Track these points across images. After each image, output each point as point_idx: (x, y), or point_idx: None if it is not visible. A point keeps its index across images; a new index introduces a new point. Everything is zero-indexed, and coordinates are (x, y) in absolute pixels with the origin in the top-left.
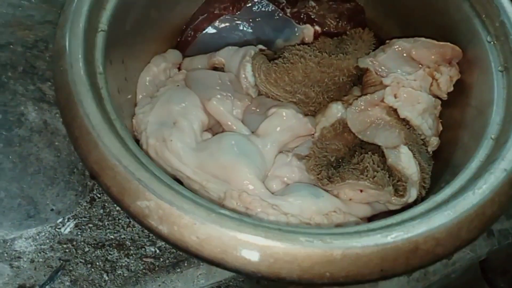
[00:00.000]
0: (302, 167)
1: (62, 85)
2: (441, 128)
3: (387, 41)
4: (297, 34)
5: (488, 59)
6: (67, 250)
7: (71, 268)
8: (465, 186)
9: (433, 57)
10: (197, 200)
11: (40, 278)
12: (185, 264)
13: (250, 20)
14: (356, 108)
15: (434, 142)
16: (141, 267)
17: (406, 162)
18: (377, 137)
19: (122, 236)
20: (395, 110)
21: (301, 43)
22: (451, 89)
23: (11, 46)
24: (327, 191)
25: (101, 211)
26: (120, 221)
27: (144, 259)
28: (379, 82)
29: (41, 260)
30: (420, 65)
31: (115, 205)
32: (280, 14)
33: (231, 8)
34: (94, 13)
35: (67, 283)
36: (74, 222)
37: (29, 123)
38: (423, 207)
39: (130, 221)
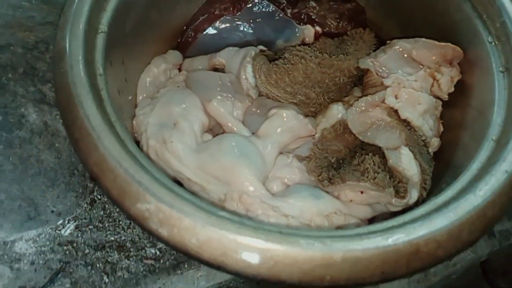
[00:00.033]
0: (303, 168)
1: (62, 86)
2: (442, 129)
3: (388, 42)
4: (297, 34)
5: (489, 60)
6: (67, 252)
7: (71, 270)
8: (466, 188)
9: (434, 57)
10: (197, 202)
11: (40, 280)
12: (186, 266)
13: (251, 20)
14: (357, 109)
15: (435, 143)
16: (142, 268)
17: (407, 163)
18: (378, 138)
19: (123, 238)
20: (396, 111)
21: (301, 44)
22: (452, 89)
23: (12, 48)
24: (327, 192)
25: (102, 212)
26: (121, 222)
27: (144, 261)
28: (380, 83)
29: (41, 262)
30: (421, 66)
31: (115, 207)
32: (281, 15)
33: (231, 9)
34: (94, 14)
35: (67, 285)
36: (75, 223)
37: (30, 125)
38: (424, 209)
39: (130, 223)
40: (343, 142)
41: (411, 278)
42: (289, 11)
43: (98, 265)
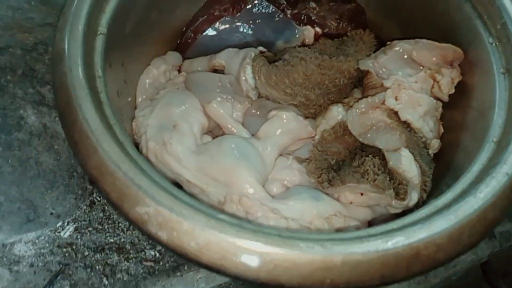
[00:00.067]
0: (303, 170)
1: (61, 89)
2: (442, 131)
3: (388, 43)
4: (297, 35)
5: (489, 61)
6: (66, 254)
7: (70, 272)
8: (466, 190)
9: (434, 58)
10: (196, 205)
11: (39, 282)
12: (185, 268)
13: (250, 21)
14: (357, 110)
15: (435, 144)
16: (141, 270)
17: (407, 165)
18: (378, 140)
19: (122, 240)
20: (396, 113)
21: (301, 45)
22: (452, 91)
23: (11, 49)
24: (327, 194)
25: (101, 214)
26: (120, 224)
27: (144, 263)
28: (380, 84)
29: (40, 264)
30: (421, 67)
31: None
32: (281, 16)
33: (231, 10)
34: (93, 16)
35: (67, 287)
36: (74, 225)
37: (29, 127)
38: (424, 212)
39: (130, 225)
40: (343, 143)
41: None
42: (289, 12)
43: (97, 267)
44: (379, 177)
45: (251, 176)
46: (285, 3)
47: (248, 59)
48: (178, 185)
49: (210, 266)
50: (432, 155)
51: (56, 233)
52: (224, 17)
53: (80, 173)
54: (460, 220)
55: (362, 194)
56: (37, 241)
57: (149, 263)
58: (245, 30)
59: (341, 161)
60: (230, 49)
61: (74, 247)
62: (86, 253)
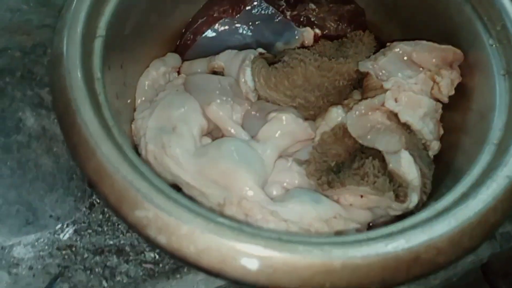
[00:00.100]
0: (302, 172)
1: (59, 92)
2: (442, 132)
3: (388, 44)
4: (297, 37)
5: (490, 63)
6: (66, 257)
7: (70, 274)
8: (467, 193)
9: (434, 60)
10: (195, 209)
11: (39, 285)
12: (185, 270)
13: (250, 23)
14: (356, 112)
15: (435, 146)
16: (141, 273)
17: (407, 167)
18: (378, 142)
19: (122, 242)
20: (395, 115)
21: (301, 46)
22: (452, 92)
23: (9, 51)
24: (327, 196)
25: (101, 216)
26: (120, 226)
27: (143, 265)
28: (380, 86)
29: (39, 266)
30: (421, 69)
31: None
32: (280, 17)
33: (230, 11)
34: (92, 18)
35: None
36: (73, 228)
37: (28, 129)
38: (424, 215)
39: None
40: (343, 145)
41: None
42: (288, 13)
43: (97, 269)
44: (379, 179)
45: (250, 178)
46: (284, 4)
47: (247, 61)
48: (178, 188)
49: (209, 270)
50: (432, 157)
51: (56, 235)
52: (223, 19)
53: (80, 175)
54: (460, 224)
55: (362, 196)
56: (36, 243)
57: (148, 265)
58: (244, 32)
59: (341, 163)
60: (230, 50)
61: (73, 249)
62: (86, 255)
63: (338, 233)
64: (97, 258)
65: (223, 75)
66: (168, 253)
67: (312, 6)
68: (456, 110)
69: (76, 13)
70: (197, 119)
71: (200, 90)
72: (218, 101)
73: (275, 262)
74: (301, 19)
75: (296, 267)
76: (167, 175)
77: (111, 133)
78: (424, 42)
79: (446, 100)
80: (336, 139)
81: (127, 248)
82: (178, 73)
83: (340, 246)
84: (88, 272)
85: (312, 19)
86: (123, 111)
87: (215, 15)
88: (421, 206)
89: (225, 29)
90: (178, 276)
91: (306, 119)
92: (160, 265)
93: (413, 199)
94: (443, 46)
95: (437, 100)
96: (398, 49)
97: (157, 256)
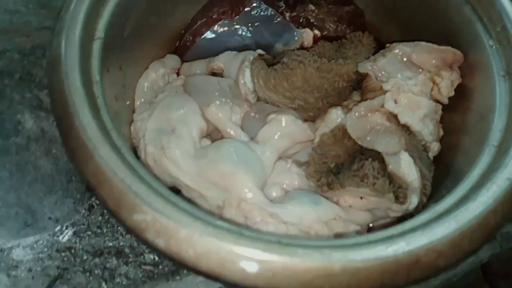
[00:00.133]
0: (302, 174)
1: (57, 95)
2: (442, 133)
3: (387, 45)
4: (296, 38)
5: (489, 64)
6: (65, 259)
7: (69, 276)
8: (467, 196)
9: (434, 61)
10: (194, 212)
11: (38, 287)
12: (185, 272)
13: (249, 24)
14: (356, 114)
15: (435, 147)
16: (140, 275)
17: (407, 168)
18: (377, 143)
19: (121, 244)
20: (395, 116)
21: (300, 48)
22: (452, 93)
23: (8, 53)
24: (327, 198)
25: (100, 218)
26: (119, 228)
27: (143, 267)
28: (379, 87)
29: (39, 269)
30: (420, 70)
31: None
32: (279, 18)
33: (229, 13)
34: (90, 20)
35: None
36: (73, 230)
37: (26, 131)
38: (424, 217)
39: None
40: (342, 147)
41: None
42: (287, 14)
43: (96, 271)
44: (379, 181)
45: (250, 180)
46: (283, 5)
47: (246, 62)
48: (177, 190)
49: (208, 273)
50: (431, 158)
51: (55, 237)
52: (222, 20)
53: (79, 177)
54: (460, 226)
55: (361, 198)
56: (35, 245)
57: (148, 267)
58: (244, 33)
59: (341, 164)
60: (229, 52)
61: (72, 251)
62: (85, 257)
63: (338, 236)
64: (97, 260)
65: (222, 76)
66: (167, 257)
67: (312, 7)
68: (456, 111)
69: (75, 15)
70: (197, 121)
71: (199, 92)
72: (218, 102)
73: (275, 266)
74: (301, 20)
75: (296, 270)
76: (166, 177)
77: (110, 136)
78: (423, 43)
79: (446, 101)
80: (335, 140)
81: (127, 250)
82: (178, 74)
83: (340, 250)
84: (88, 274)
85: (312, 20)
86: (122, 113)
87: (214, 16)
88: (421, 207)
89: (224, 31)
90: (177, 277)
91: (305, 120)
92: (160, 266)
93: (413, 201)
94: (442, 47)
95: (437, 101)
96: (397, 50)
97: (156, 258)
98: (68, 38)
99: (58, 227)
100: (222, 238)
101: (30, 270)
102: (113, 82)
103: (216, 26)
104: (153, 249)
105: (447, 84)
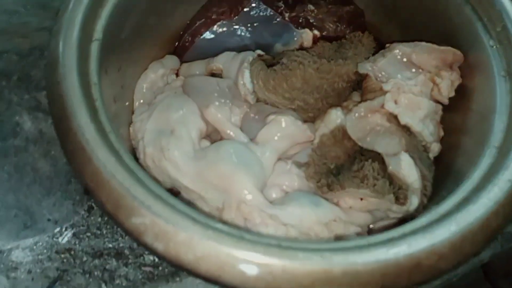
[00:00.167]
0: (302, 175)
1: (55, 97)
2: (442, 134)
3: (387, 45)
4: (295, 38)
5: (490, 64)
6: (64, 260)
7: (69, 278)
8: (468, 198)
9: (434, 61)
10: (193, 215)
11: None
12: (185, 273)
13: (248, 25)
14: (356, 114)
15: (435, 148)
16: (140, 276)
17: (407, 169)
18: (377, 144)
19: (121, 245)
20: (395, 117)
21: (300, 48)
22: (453, 94)
23: (6, 54)
24: (326, 199)
25: (99, 219)
26: (119, 229)
27: (143, 268)
28: (379, 88)
29: (38, 270)
30: (420, 70)
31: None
32: (279, 19)
33: (228, 13)
34: (88, 22)
35: None
36: (72, 231)
37: (25, 133)
38: (425, 219)
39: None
40: (342, 148)
41: None
42: (287, 15)
43: (96, 273)
44: (379, 182)
45: (249, 181)
46: (283, 6)
47: (246, 63)
48: (177, 191)
49: (208, 277)
50: (432, 159)
51: (54, 239)
52: (221, 21)
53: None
54: (462, 229)
55: (362, 199)
56: (34, 247)
57: (148, 268)
58: (243, 33)
59: (340, 165)
60: (228, 52)
61: (72, 252)
62: (85, 258)
63: (338, 238)
64: (96, 261)
65: (221, 77)
66: (166, 261)
67: (311, 7)
68: (457, 111)
69: (73, 16)
70: (196, 122)
71: (198, 92)
72: (217, 103)
73: (275, 269)
74: (300, 21)
75: (296, 274)
76: (165, 179)
77: (108, 138)
78: (423, 43)
79: (446, 101)
80: (335, 141)
81: (126, 251)
82: (177, 75)
83: (340, 253)
84: (87, 275)
85: (311, 21)
86: (121, 114)
87: (213, 17)
88: (421, 208)
89: (223, 31)
90: (177, 279)
91: (305, 121)
92: (160, 268)
93: (413, 202)
94: (442, 47)
95: (437, 102)
96: (397, 51)
97: (156, 259)
98: (65, 39)
99: (58, 229)
100: (221, 241)
101: (29, 272)
102: (111, 83)
103: (215, 26)
104: (152, 252)
105: (447, 85)
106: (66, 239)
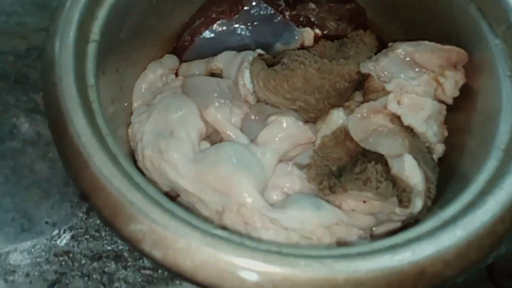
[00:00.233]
0: (303, 177)
1: (51, 100)
2: (446, 134)
3: (389, 44)
4: (296, 37)
5: (495, 64)
6: (63, 263)
7: (67, 281)
8: (474, 202)
9: (437, 61)
10: (192, 222)
11: None
12: None
13: (248, 23)
14: (358, 115)
15: (439, 149)
16: (139, 279)
17: (411, 171)
18: (380, 145)
19: (120, 247)
20: (398, 117)
21: (301, 47)
22: (457, 94)
23: (3, 55)
24: (328, 201)
25: (98, 221)
26: None
27: (142, 271)
28: (382, 88)
29: (36, 273)
30: (424, 70)
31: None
32: (279, 18)
33: (228, 12)
34: (85, 22)
35: None
36: (70, 233)
37: (22, 135)
38: (430, 225)
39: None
40: (344, 149)
41: None
42: (287, 13)
43: (94, 275)
44: (382, 184)
45: (250, 184)
46: (283, 4)
47: (246, 62)
48: (176, 194)
49: (207, 285)
50: (436, 160)
51: (52, 241)
52: (221, 19)
53: None
54: (468, 235)
55: (364, 202)
56: (33, 250)
57: (147, 271)
58: (243, 32)
59: (343, 167)
60: (228, 52)
61: (70, 255)
62: (83, 261)
63: (341, 242)
64: (95, 264)
65: (221, 77)
66: (164, 268)
67: (312, 5)
68: (461, 111)
69: (69, 17)
70: (195, 123)
71: (198, 93)
72: (217, 104)
73: (275, 277)
74: (301, 19)
75: (297, 282)
76: (164, 181)
77: (105, 142)
78: (427, 42)
79: (450, 101)
80: (337, 142)
81: (125, 254)
82: (176, 75)
83: (342, 260)
84: (86, 278)
85: (312, 19)
86: (119, 116)
87: (213, 15)
88: (425, 211)
89: (223, 30)
90: (177, 282)
91: (306, 122)
92: (159, 271)
93: (417, 204)
94: (446, 47)
95: (441, 102)
96: (400, 50)
97: None
98: (62, 40)
99: (56, 231)
100: (220, 248)
101: (27, 275)
102: (109, 84)
103: (214, 25)
104: (150, 259)
105: (451, 84)
106: (64, 241)
